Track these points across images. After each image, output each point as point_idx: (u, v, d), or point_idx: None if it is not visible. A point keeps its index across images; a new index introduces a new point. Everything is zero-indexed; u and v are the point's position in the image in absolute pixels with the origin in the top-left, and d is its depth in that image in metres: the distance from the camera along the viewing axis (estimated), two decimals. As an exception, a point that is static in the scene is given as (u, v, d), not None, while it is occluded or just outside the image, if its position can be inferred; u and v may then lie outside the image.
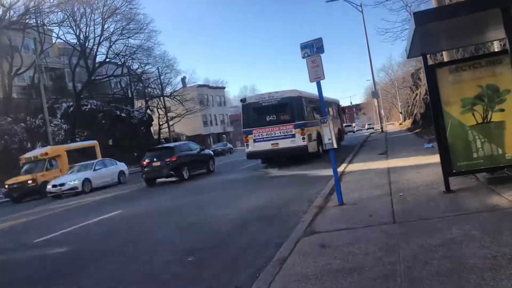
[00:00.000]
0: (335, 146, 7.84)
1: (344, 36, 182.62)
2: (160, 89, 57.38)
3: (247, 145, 18.85)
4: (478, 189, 6.99)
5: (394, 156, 14.70)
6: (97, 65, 47.59)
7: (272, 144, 18.09)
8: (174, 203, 12.32)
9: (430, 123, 25.46)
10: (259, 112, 18.72)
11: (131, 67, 54.50)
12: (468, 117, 6.90)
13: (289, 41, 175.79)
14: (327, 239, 5.70)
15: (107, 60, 48.12)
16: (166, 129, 58.60)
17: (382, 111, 73.68)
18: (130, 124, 50.00)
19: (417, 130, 27.16)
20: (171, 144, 23.25)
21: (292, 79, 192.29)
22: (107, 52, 47.77)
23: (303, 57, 7.91)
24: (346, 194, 8.61)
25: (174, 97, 59.36)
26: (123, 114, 49.50)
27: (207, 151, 23.44)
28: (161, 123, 57.87)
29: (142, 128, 52.15)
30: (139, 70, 55.47)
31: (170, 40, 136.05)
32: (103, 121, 45.50)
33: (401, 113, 75.18)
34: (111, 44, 47.16)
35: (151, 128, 59.32)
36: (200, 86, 70.12)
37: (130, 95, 55.12)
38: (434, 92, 7.04)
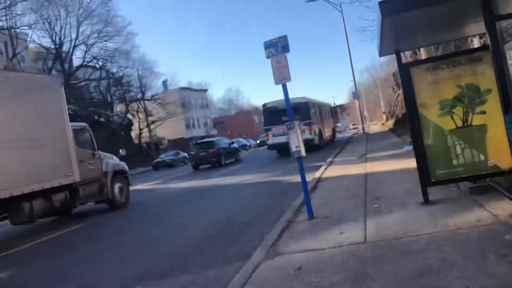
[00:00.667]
0: (303, 154, 7.13)
1: (327, 37, 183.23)
2: (140, 93, 56.33)
3: (268, 139, 25.59)
4: (459, 200, 6.34)
5: (374, 159, 14.09)
6: (74, 69, 46.37)
7: (286, 138, 16.50)
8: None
9: (412, 123, 25.06)
10: (276, 114, 23.79)
11: (110, 70, 53.42)
12: (447, 121, 6.25)
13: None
14: (289, 264, 4.97)
15: (85, 63, 46.89)
16: (148, 133, 57.52)
17: (365, 112, 73.67)
18: (110, 129, 48.78)
19: (398, 131, 26.69)
20: (212, 139, 30.11)
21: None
22: (84, 55, 46.58)
23: (267, 57, 7.19)
24: (320, 206, 7.94)
25: (155, 101, 58.35)
26: (102, 119, 48.26)
27: (235, 144, 31.44)
28: (141, 127, 56.74)
29: (122, 132, 50.96)
30: (119, 74, 54.46)
31: (151, 43, 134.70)
32: (81, 127, 44.27)
33: (384, 113, 75.22)
34: (88, 47, 46.02)
35: (132, 133, 58.23)
36: (182, 89, 69.19)
37: (109, 99, 53.89)
38: (410, 94, 6.38)
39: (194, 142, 70.32)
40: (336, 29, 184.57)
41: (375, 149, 17.98)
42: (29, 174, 9.74)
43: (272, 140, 25.11)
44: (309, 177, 12.54)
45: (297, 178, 13.37)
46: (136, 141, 57.35)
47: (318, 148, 24.79)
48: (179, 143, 64.17)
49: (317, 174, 12.74)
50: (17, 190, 9.38)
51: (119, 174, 13.05)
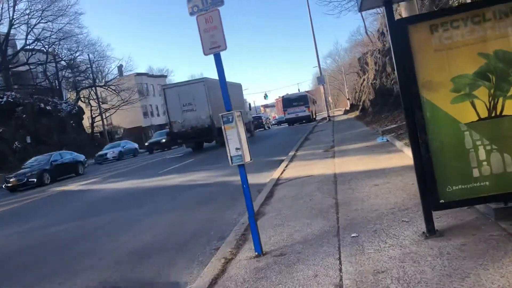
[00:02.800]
0: (247, 159, 4.79)
1: (291, 20, 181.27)
2: (92, 79, 52.45)
3: (285, 116, 46.58)
4: (482, 231, 4.14)
5: (342, 154, 11.90)
6: (13, 51, 42.14)
7: (295, 114, 44.23)
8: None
9: (381, 111, 23.20)
10: (289, 101, 45.61)
11: (59, 54, 49.31)
12: (465, 109, 4.04)
13: (236, 27, 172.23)
14: None
15: (28, 46, 42.67)
16: (102, 122, 53.75)
17: (329, 98, 72.19)
18: (57, 118, 45.01)
19: (366, 119, 24.78)
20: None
21: (237, 65, 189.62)
22: (26, 37, 42.35)
23: (191, 14, 4.75)
24: (274, 228, 5.67)
25: (108, 87, 54.57)
26: (48, 107, 44.40)
27: (250, 119, 36.13)
28: (95, 115, 52.97)
29: (72, 122, 47.19)
30: (68, 58, 50.44)
31: (105, 26, 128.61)
32: (24, 116, 40.32)
33: (348, 99, 74.08)
34: (30, 28, 41.81)
35: (83, 122, 54.38)
36: (138, 74, 65.34)
37: (57, 86, 49.78)
38: (406, 68, 4.11)
39: (153, 131, 66.89)
40: (299, 12, 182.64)
41: (344, 140, 15.86)
42: None
43: (287, 116, 45.78)
44: (266, 178, 10.29)
45: (256, 178, 11.15)
46: (89, 131, 53.65)
47: (312, 121, 45.11)
48: (136, 132, 60.73)
49: (276, 174, 10.46)
50: None
51: None
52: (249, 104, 51.28)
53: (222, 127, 4.72)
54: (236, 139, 4.67)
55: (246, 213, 7.18)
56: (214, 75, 4.85)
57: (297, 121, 44.72)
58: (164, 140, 36.83)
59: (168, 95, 24.67)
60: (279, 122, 47.55)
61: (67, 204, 12.91)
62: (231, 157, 4.74)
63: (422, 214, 4.56)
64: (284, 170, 11.10)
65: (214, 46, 4.66)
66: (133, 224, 8.21)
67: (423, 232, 4.31)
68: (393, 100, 21.25)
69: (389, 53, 23.73)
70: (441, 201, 4.13)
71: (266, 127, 57.62)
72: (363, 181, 7.68)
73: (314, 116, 47.39)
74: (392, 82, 22.32)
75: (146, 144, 40.72)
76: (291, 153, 14.48)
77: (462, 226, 4.32)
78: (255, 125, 43.23)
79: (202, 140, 25.99)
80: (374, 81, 27.92)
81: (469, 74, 3.99)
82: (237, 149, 4.73)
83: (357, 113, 39.03)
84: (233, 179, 11.63)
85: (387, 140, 12.56)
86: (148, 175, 16.40)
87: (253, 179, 10.78)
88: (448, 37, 4.01)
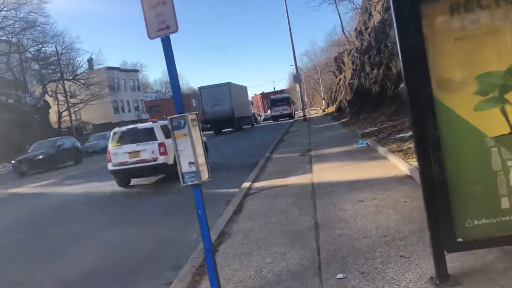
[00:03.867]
0: (204, 177, 3.67)
1: (267, 17, 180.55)
2: (60, 71, 50.13)
3: (271, 113, 52.92)
4: (510, 278, 3.15)
5: (321, 160, 10.90)
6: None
7: (279, 112, 50.09)
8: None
9: (359, 112, 22.37)
10: (275, 101, 53.07)
11: (24, 45, 46.84)
12: (493, 118, 3.03)
13: (209, 20, 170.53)
14: None
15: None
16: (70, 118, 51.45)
17: (305, 97, 71.60)
18: (21, 112, 42.70)
19: (343, 120, 23.94)
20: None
21: (210, 61, 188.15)
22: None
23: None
24: (238, 259, 4.59)
25: (77, 81, 52.31)
26: (10, 101, 42.11)
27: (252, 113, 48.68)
28: (62, 110, 50.65)
29: (36, 116, 44.87)
30: (33, 49, 48.01)
31: (77, 18, 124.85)
32: (-18, 109, 38.02)
33: (324, 99, 73.62)
34: (-9, 16, 39.36)
35: (50, 117, 52.00)
36: (109, 68, 63.04)
37: (22, 79, 47.29)
38: (415, 62, 3.07)
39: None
40: (276, 9, 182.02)
41: (321, 143, 14.89)
42: None
43: (273, 113, 51.20)
44: (237, 185, 9.23)
45: (226, 185, 10.03)
46: (56, 126, 51.30)
47: (292, 117, 49.96)
48: (106, 128, 58.56)
49: (247, 183, 9.35)
50: None
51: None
52: (252, 103, 68.10)
53: (172, 135, 3.59)
54: (189, 151, 3.55)
55: (218, 220, 6.15)
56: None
57: (281, 118, 51.41)
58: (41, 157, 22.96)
59: (202, 94, 35.96)
60: (265, 119, 53.86)
61: (10, 212, 11.48)
62: (182, 174, 3.61)
63: (423, 246, 3.61)
64: (257, 176, 10.02)
65: (162, 27, 3.51)
66: (74, 243, 6.95)
67: (432, 278, 3.30)
68: (372, 100, 20.47)
69: (368, 52, 22.96)
70: (459, 239, 3.11)
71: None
72: (346, 194, 6.66)
73: (293, 114, 53.67)
74: (371, 82, 21.54)
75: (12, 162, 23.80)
76: (266, 155, 13.41)
77: (483, 271, 3.31)
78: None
79: (225, 126, 34.88)
80: (352, 81, 27.16)
81: (500, 71, 2.98)
82: (190, 163, 3.61)
83: (333, 113, 38.36)
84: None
85: (368, 144, 11.65)
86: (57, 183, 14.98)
87: (223, 185, 9.76)
88: (474, 20, 2.99)
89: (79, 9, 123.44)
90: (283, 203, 6.86)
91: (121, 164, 11.18)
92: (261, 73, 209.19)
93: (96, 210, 9.65)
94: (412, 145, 9.23)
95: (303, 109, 38.39)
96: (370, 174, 7.82)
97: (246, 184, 9.19)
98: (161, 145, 11.05)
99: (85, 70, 56.55)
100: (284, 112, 51.58)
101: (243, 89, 44.06)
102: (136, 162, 11.09)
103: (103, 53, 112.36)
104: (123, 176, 11.59)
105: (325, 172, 8.96)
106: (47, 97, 51.01)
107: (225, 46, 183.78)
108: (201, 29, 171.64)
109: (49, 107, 48.30)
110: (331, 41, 66.67)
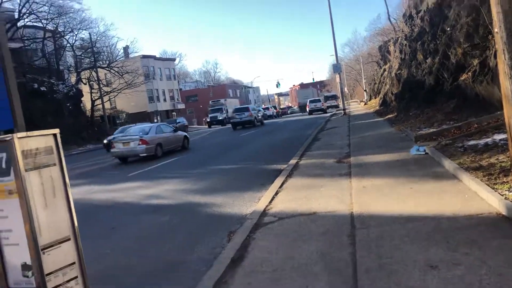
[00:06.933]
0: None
1: (306, 4, 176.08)
2: (93, 59, 49.28)
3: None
4: None
5: (363, 172, 8.35)
6: (7, 26, 38.94)
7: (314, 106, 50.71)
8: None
9: (408, 107, 19.40)
10: (327, 97, 60.87)
11: (60, 32, 46.09)
12: None
13: (250, 15, 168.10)
14: None
15: (19, 19, 39.45)
16: (106, 106, 50.63)
17: (345, 89, 68.06)
18: (53, 100, 42.05)
19: (389, 116, 21.01)
20: (247, 106, 40.06)
21: (248, 51, 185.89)
22: (20, 10, 39.14)
23: None
24: None
25: (111, 68, 51.39)
26: (43, 88, 41.45)
27: (267, 112, 53.60)
28: (95, 98, 49.86)
29: (68, 104, 44.13)
30: (69, 36, 47.28)
31: (115, 5, 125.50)
32: (14, 96, 37.32)
33: (365, 90, 69.87)
34: (24, 1, 38.55)
35: (85, 105, 51.46)
36: (145, 56, 61.98)
37: (55, 66, 46.66)
38: None
39: (159, 116, 63.56)
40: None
41: (363, 145, 12.25)
42: None
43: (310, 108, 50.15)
44: (249, 204, 6.98)
45: (236, 202, 7.74)
46: (89, 114, 50.65)
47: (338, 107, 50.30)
48: (140, 118, 57.47)
49: (262, 203, 6.99)
50: None
51: None
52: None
53: None
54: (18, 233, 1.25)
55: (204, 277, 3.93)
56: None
57: (315, 112, 51.51)
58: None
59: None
60: (311, 111, 49.21)
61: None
62: None
63: None
64: (277, 192, 7.63)
65: None
66: None
67: None
68: (425, 94, 17.49)
69: (420, 38, 19.92)
70: None
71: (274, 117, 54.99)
72: (405, 246, 4.20)
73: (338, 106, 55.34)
74: (424, 72, 18.54)
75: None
76: (292, 162, 10.98)
77: None
78: (263, 116, 45.19)
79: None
80: (399, 71, 24.11)
81: None
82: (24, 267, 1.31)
83: (376, 106, 35.24)
84: (207, 200, 8.25)
85: (426, 153, 9.01)
86: (113, 179, 12.97)
87: (232, 202, 7.54)
88: None
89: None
90: (304, 254, 4.47)
91: None
92: (298, 63, 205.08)
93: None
94: (499, 160, 6.57)
95: (342, 102, 35.34)
96: (439, 207, 5.29)
97: (260, 205, 6.86)
98: None
99: (120, 58, 55.65)
100: (333, 104, 56.48)
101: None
102: None
103: (141, 41, 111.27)
104: None
105: (370, 195, 6.47)
106: (81, 85, 50.44)
107: (262, 34, 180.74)
108: (238, 18, 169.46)
109: (82, 95, 47.56)
110: (375, 29, 63.01)
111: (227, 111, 53.07)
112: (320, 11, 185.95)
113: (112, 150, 17.54)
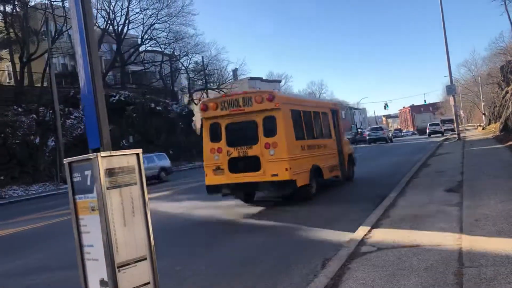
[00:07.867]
0: None
1: (418, 23, 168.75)
2: (204, 81, 52.32)
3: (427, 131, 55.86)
4: None
5: (477, 203, 7.41)
6: (130, 51, 43.19)
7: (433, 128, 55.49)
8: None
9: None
10: (444, 121, 63.48)
11: (176, 56, 49.89)
12: None
13: (357, 34, 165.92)
14: None
15: (141, 44, 43.47)
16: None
17: (461, 112, 63.19)
18: (167, 118, 45.23)
19: (511, 143, 18.92)
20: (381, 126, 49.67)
21: (360, 73, 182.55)
22: (142, 37, 43.19)
23: None
24: None
25: (221, 90, 54.05)
26: (159, 108, 44.81)
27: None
28: (205, 118, 52.60)
29: (181, 123, 47.14)
30: (183, 60, 50.93)
31: (222, 29, 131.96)
32: (134, 115, 40.87)
33: (484, 114, 64.27)
34: (146, 28, 42.50)
35: (193, 124, 54.57)
36: (252, 78, 64.22)
37: (171, 87, 50.38)
38: None
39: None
40: (430, 13, 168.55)
41: (479, 175, 10.96)
42: None
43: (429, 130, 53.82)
44: (348, 229, 6.67)
45: (338, 224, 7.39)
46: (199, 133, 53.60)
47: (454, 130, 42.09)
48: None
49: (361, 231, 6.58)
50: None
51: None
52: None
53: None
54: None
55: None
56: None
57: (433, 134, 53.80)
58: None
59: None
60: (430, 133, 52.53)
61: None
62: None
63: None
64: (379, 219, 7.14)
65: None
66: None
67: None
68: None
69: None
70: None
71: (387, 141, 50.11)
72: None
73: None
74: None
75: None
76: (401, 186, 10.27)
77: None
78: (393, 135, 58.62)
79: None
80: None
81: None
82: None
83: (496, 131, 32.14)
84: (304, 221, 8.02)
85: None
86: (218, 196, 13.13)
87: (330, 226, 7.22)
88: None
89: (225, 23, 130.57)
90: (404, 294, 4.04)
91: None
92: (408, 84, 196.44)
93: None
94: None
95: (456, 125, 32.77)
96: None
97: (359, 233, 6.45)
98: None
99: (229, 80, 58.30)
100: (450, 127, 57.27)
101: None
102: None
103: (249, 64, 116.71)
104: None
105: (483, 230, 5.72)
106: (193, 105, 53.70)
107: (371, 52, 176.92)
108: (345, 37, 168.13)
109: (193, 114, 50.54)
110: (497, 49, 58.01)
111: None
112: (434, 31, 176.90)
113: None
